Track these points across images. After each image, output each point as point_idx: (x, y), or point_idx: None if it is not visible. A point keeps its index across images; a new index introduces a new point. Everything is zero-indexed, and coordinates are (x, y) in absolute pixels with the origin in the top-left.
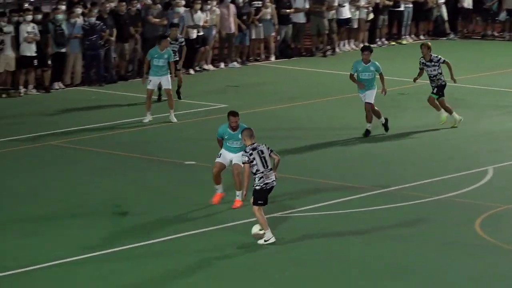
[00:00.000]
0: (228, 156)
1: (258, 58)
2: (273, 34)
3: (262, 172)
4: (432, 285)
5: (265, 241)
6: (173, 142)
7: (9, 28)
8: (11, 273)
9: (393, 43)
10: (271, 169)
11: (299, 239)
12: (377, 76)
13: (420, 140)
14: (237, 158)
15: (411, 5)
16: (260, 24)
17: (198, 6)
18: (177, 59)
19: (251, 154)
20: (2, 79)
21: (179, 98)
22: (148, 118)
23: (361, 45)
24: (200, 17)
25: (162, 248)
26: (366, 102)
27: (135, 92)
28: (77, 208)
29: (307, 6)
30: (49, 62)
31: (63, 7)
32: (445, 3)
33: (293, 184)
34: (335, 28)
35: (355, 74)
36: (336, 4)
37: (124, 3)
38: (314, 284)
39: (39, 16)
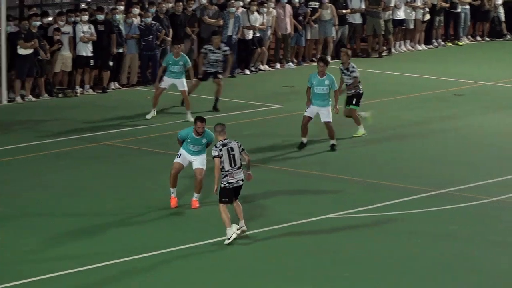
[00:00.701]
0: (188, 158)
1: (314, 58)
2: (333, 35)
3: (227, 171)
4: (501, 285)
5: (227, 239)
6: None
7: (67, 28)
8: (83, 269)
9: (450, 44)
10: (239, 168)
11: (356, 240)
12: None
13: (477, 140)
14: (197, 161)
15: (468, 7)
16: (316, 25)
17: (255, 8)
18: (219, 70)
19: (220, 150)
20: (59, 79)
21: (216, 110)
22: (151, 114)
23: (418, 46)
24: (257, 18)
25: (217, 248)
26: (325, 122)
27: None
28: (136, 208)
29: (363, 6)
30: (110, 63)
31: (121, 8)
32: (502, 4)
33: (347, 184)
34: (391, 28)
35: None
36: (392, 5)
37: (180, 4)
38: (372, 284)
39: (102, 16)
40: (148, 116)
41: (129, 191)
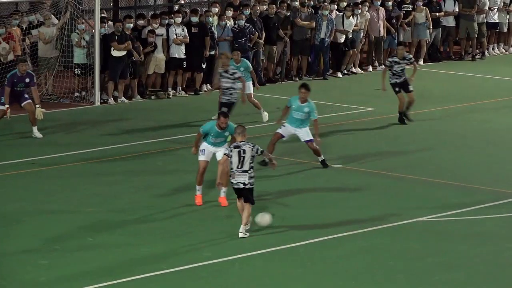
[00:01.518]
0: (212, 150)
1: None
2: (427, 38)
3: (232, 170)
4: None
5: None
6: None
7: (161, 31)
8: (161, 273)
9: None
10: (245, 171)
11: (447, 243)
12: None
13: None
14: (221, 152)
15: None
16: (409, 28)
17: (350, 13)
18: (396, 81)
19: (231, 150)
20: (152, 81)
21: (408, 120)
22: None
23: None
24: (351, 22)
25: (305, 250)
26: (306, 142)
27: (282, 95)
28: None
29: (457, 9)
30: (203, 65)
31: (216, 10)
32: None
33: (439, 188)
34: (485, 31)
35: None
36: (486, 8)
37: (274, 6)
38: None
39: (196, 19)
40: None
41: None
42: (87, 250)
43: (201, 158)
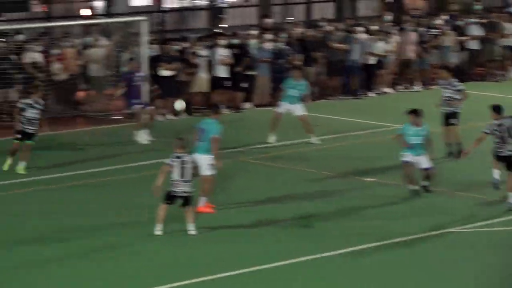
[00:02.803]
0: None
1: (433, 82)
2: (453, 60)
3: (174, 180)
4: None
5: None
6: (354, 160)
7: (205, 52)
8: (204, 279)
9: None
10: (186, 182)
11: (473, 254)
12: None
13: None
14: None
15: None
16: (437, 50)
17: (378, 37)
18: (457, 110)
19: (173, 161)
20: (197, 100)
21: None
22: (271, 138)
23: None
24: (381, 46)
25: (345, 259)
26: (427, 169)
27: (316, 113)
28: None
29: (482, 33)
30: (244, 84)
31: (255, 33)
32: None
33: (466, 200)
34: (508, 54)
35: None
36: (509, 32)
37: (310, 29)
38: None
39: (237, 41)
40: (270, 140)
41: (260, 202)
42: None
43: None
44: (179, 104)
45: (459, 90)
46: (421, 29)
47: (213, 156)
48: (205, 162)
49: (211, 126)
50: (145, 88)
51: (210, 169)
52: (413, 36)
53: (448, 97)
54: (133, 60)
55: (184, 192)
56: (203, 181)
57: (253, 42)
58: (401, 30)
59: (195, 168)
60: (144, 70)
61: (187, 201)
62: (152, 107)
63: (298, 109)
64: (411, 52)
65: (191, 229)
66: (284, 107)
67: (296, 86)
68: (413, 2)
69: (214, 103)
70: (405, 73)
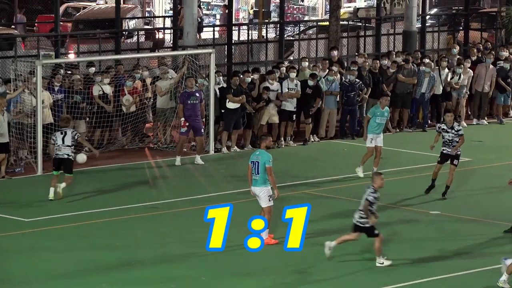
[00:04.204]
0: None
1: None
2: None
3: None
4: None
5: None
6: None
7: (275, 87)
8: None
9: None
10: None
11: None
12: None
13: None
14: None
15: None
16: None
17: (445, 64)
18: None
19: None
20: (264, 131)
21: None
22: (359, 172)
23: None
24: (448, 75)
25: None
26: None
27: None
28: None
29: None
30: (310, 118)
31: (325, 66)
32: None
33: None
34: None
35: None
36: None
37: (377, 61)
38: None
39: (312, 82)
40: (360, 175)
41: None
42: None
43: None
44: (80, 157)
45: (457, 132)
46: (502, 62)
47: (270, 187)
48: (263, 194)
49: (262, 156)
50: (203, 111)
51: (269, 200)
52: (492, 70)
53: (449, 140)
54: (189, 78)
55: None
56: (264, 212)
57: (319, 74)
58: (477, 62)
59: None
60: (211, 102)
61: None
62: (203, 136)
63: (381, 140)
64: (487, 86)
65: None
66: (372, 138)
67: (383, 113)
68: (477, 35)
69: (263, 133)
70: (479, 106)
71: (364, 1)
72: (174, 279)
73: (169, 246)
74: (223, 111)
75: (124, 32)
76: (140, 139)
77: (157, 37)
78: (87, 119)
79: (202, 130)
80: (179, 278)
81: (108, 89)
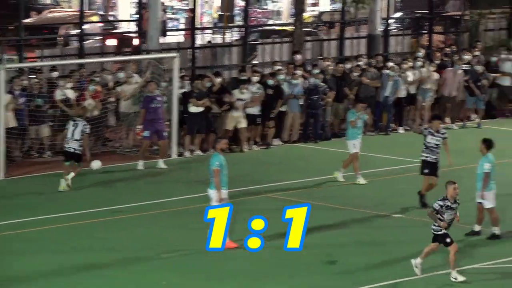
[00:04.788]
0: None
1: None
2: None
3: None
4: None
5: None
6: (379, 197)
7: (245, 96)
8: None
9: None
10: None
11: None
12: None
13: None
14: None
15: None
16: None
17: (406, 65)
18: (427, 158)
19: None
20: (227, 136)
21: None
22: (339, 176)
23: None
24: (409, 75)
25: None
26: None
27: (345, 149)
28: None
29: None
30: (275, 120)
31: (284, 68)
32: None
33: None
34: None
35: None
36: None
37: (341, 65)
38: None
39: (271, 81)
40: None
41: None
42: None
43: None
44: (95, 164)
45: (442, 135)
46: (465, 66)
47: (215, 190)
48: (212, 196)
49: (211, 159)
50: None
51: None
52: (462, 76)
53: (435, 145)
54: (151, 83)
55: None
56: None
57: (282, 77)
58: (441, 66)
59: None
60: (174, 106)
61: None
62: (166, 140)
63: (359, 145)
64: (453, 91)
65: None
66: (354, 143)
67: (364, 116)
68: (440, 39)
69: (218, 136)
70: (444, 110)
71: (330, 5)
72: (135, 282)
73: (132, 249)
74: (185, 115)
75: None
76: (102, 143)
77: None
78: (50, 123)
79: (165, 134)
80: (140, 282)
81: (71, 94)
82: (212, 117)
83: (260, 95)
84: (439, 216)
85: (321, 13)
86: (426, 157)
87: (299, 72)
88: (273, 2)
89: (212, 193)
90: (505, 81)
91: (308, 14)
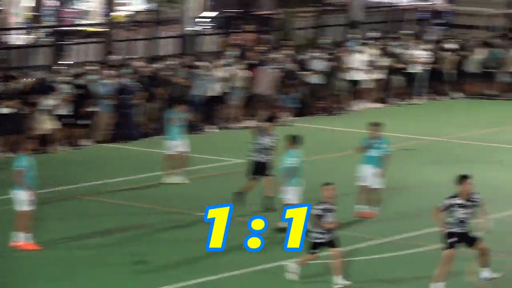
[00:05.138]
0: None
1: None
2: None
3: None
4: None
5: None
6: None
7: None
8: None
9: (405, 103)
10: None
11: None
12: None
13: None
14: None
15: (420, 68)
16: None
17: (215, 64)
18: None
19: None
20: (40, 136)
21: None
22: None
23: (372, 105)
24: (218, 76)
25: None
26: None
27: (157, 149)
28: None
29: (324, 67)
30: (86, 120)
31: (96, 68)
32: None
33: None
34: (347, 88)
35: None
36: (349, 66)
37: (152, 65)
38: None
39: (81, 81)
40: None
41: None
42: None
43: None
44: None
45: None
46: (274, 65)
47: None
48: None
49: (17, 160)
50: None
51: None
52: (271, 75)
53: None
54: None
55: None
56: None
57: (94, 77)
58: (253, 65)
59: None
60: None
61: None
62: None
63: (185, 145)
64: (264, 89)
65: None
66: (174, 143)
67: (182, 116)
68: (252, 37)
69: (26, 137)
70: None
71: (143, 5)
72: None
73: None
74: None
75: None
76: None
77: None
78: None
79: None
80: None
81: None
82: (22, 117)
83: (69, 95)
84: (321, 222)
85: (136, 12)
86: (258, 158)
87: (109, 72)
88: (86, 2)
89: (18, 194)
90: (315, 79)
91: (122, 13)
